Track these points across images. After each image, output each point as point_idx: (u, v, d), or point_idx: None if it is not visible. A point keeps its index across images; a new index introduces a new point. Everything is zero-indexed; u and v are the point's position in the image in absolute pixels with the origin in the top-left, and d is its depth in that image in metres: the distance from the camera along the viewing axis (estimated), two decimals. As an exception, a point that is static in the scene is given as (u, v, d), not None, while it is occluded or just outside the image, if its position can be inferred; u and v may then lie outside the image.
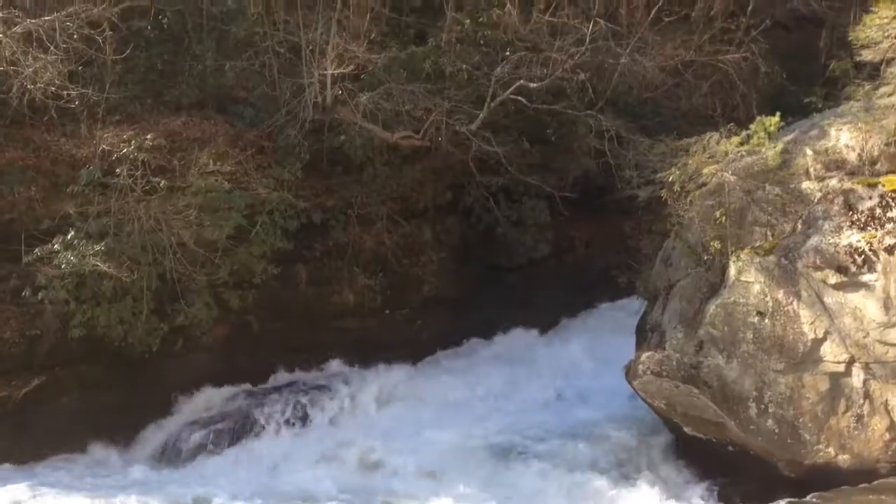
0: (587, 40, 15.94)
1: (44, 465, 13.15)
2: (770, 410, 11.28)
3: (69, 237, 13.31)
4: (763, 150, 12.26)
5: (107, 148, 14.08)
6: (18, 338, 13.57)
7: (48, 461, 13.26)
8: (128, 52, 14.96)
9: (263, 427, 13.89)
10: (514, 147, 16.23)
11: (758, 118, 12.66)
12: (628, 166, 14.77)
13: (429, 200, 16.60)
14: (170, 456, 13.57)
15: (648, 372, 11.83)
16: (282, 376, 15.04)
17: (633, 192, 14.08)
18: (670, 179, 12.63)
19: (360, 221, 15.80)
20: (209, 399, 14.45)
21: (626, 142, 15.84)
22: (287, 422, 14.03)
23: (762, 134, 12.38)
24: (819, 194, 11.91)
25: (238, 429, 13.88)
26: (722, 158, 12.30)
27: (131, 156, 13.85)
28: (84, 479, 12.72)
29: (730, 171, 12.10)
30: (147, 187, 13.82)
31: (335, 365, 15.32)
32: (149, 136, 14.14)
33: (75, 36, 14.25)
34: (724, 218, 11.98)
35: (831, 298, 11.31)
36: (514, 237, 16.39)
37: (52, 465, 13.20)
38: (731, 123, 13.13)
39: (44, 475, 12.80)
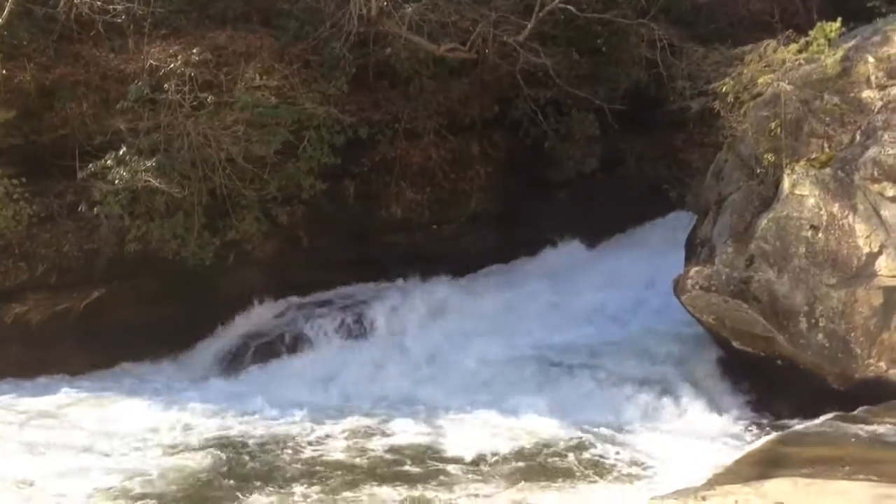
0: (640, -55, 15.33)
1: (105, 374, 13.71)
2: (821, 325, 11.17)
3: (121, 153, 13.48)
4: (822, 57, 11.80)
5: (154, 63, 14.08)
6: (77, 251, 13.98)
7: (109, 371, 13.81)
8: (172, -36, 14.83)
9: (315, 339, 14.20)
10: (563, 58, 15.84)
11: (818, 24, 12.15)
12: (681, 77, 14.42)
13: (476, 114, 16.38)
14: (226, 367, 13.98)
15: (697, 287, 11.74)
16: (331, 291, 15.27)
17: (686, 103, 13.79)
18: (724, 90, 12.28)
19: (406, 136, 15.70)
20: (262, 312, 14.80)
21: (679, 51, 15.39)
22: (338, 334, 14.32)
23: (822, 41, 11.91)
24: (880, 103, 11.47)
25: (291, 340, 14.22)
26: (779, 67, 11.90)
27: (178, 71, 13.85)
28: (143, 387, 13.25)
29: (786, 81, 11.70)
30: (195, 103, 13.85)
31: (384, 279, 15.50)
32: (195, 51, 14.09)
33: (119, -52, 14.14)
34: (779, 129, 11.63)
35: (888, 212, 11.02)
36: (562, 151, 16.16)
37: (113, 374, 13.76)
38: (790, 30, 12.65)
39: (105, 383, 13.37)
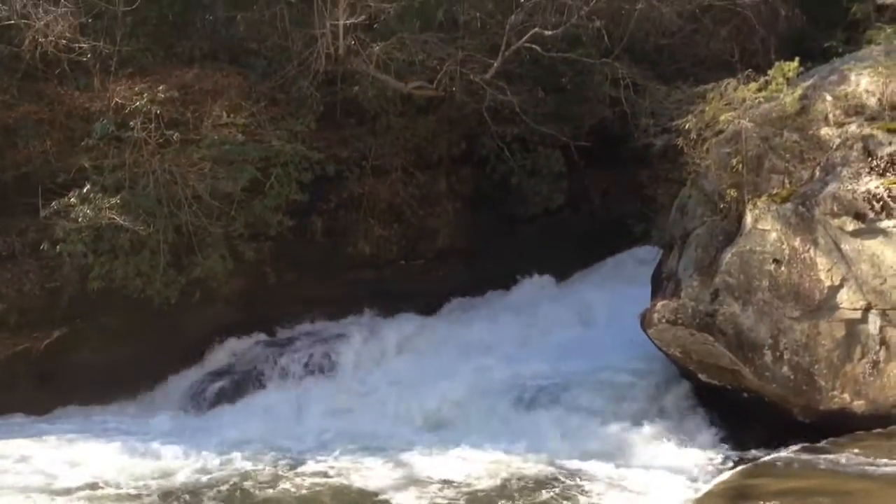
0: (603, -15, 15.66)
1: (66, 415, 13.44)
2: (785, 357, 11.28)
3: (85, 190, 13.39)
4: (781, 96, 12.07)
5: (120, 101, 14.07)
6: (39, 290, 13.80)
7: (70, 411, 13.55)
8: (138, 3, 14.84)
9: (282, 376, 14.07)
10: (529, 96, 16.07)
11: (777, 63, 12.45)
12: (644, 114, 14.61)
13: (443, 151, 16.53)
14: (190, 405, 13.81)
15: (664, 320, 11.83)
16: (298, 327, 15.21)
17: (649, 140, 13.94)
18: (686, 127, 12.47)
19: (374, 172, 15.78)
20: (228, 350, 14.67)
21: (643, 89, 15.65)
22: (305, 370, 14.19)
23: (781, 80, 12.17)
24: (838, 140, 11.73)
25: (256, 378, 14.09)
26: (739, 105, 12.12)
27: (144, 108, 13.85)
28: (106, 428, 13.00)
29: (747, 118, 11.93)
30: (161, 140, 13.84)
31: (351, 315, 15.43)
32: (161, 89, 14.11)
33: (85, -13, 14.16)
34: (740, 165, 11.84)
35: (849, 245, 11.22)
36: (529, 187, 16.32)
37: (74, 414, 13.48)
38: (750, 69, 12.90)
39: (65, 425, 13.07)
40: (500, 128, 16.09)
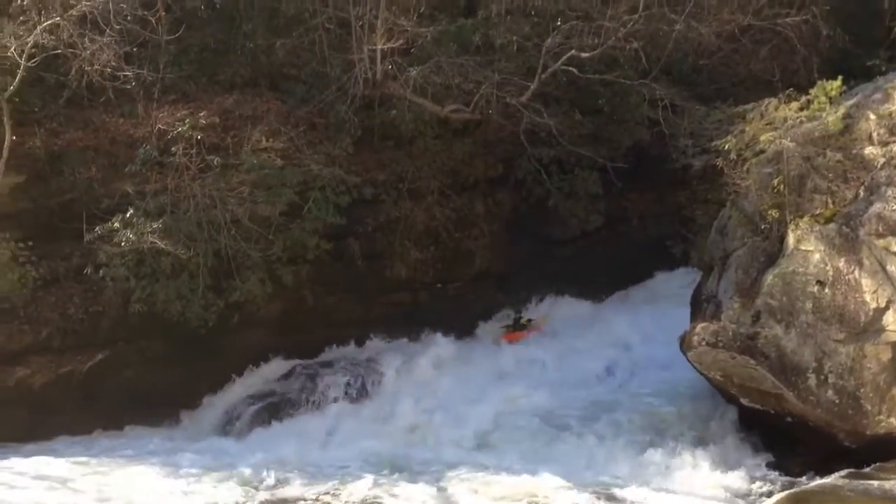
0: (640, 7, 15.65)
1: (106, 437, 13.56)
2: (830, 381, 11.02)
3: (128, 215, 13.64)
4: (824, 115, 11.90)
5: (162, 127, 14.35)
6: (82, 314, 14.01)
7: (112, 433, 13.68)
8: (181, 32, 15.18)
9: (318, 400, 14.08)
10: (566, 118, 16.07)
11: (819, 83, 12.29)
12: (683, 135, 14.53)
13: (480, 174, 16.54)
14: (228, 428, 13.87)
15: (704, 343, 11.64)
16: (335, 350, 15.22)
17: (688, 161, 13.85)
18: (726, 147, 12.36)
19: (411, 196, 15.84)
20: (266, 372, 14.72)
21: (681, 110, 15.58)
22: (341, 394, 14.18)
23: (823, 99, 12.03)
24: (882, 160, 11.53)
25: (293, 401, 14.10)
26: (780, 125, 11.99)
27: (186, 134, 14.11)
28: (146, 450, 13.07)
29: (789, 138, 11.78)
30: (202, 165, 14.07)
31: (388, 338, 15.42)
32: (202, 115, 14.38)
33: (129, 17, 14.52)
34: (782, 186, 11.68)
35: (894, 266, 10.97)
36: (566, 209, 16.25)
37: (116, 437, 13.62)
38: (791, 89, 12.78)
39: (107, 446, 13.21)
40: (536, 150, 16.08)
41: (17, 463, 12.53)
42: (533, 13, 16.60)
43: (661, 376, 13.28)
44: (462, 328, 15.61)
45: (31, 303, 13.82)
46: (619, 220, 16.88)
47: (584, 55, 15.43)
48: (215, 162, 14.09)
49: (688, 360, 11.96)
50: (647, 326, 14.58)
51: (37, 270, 13.69)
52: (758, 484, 11.17)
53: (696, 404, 12.56)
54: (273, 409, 13.94)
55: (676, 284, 15.14)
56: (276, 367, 14.73)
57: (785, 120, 12.03)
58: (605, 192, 16.26)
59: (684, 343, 11.99)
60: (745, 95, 14.81)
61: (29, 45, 13.88)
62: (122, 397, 13.73)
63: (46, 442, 13.32)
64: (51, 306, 13.92)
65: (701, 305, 12.56)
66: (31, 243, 13.70)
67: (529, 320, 15.56)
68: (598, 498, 10.89)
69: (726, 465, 11.54)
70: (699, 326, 11.86)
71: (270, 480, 11.88)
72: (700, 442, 11.99)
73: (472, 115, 15.90)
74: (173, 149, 14.05)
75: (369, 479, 11.78)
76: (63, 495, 11.63)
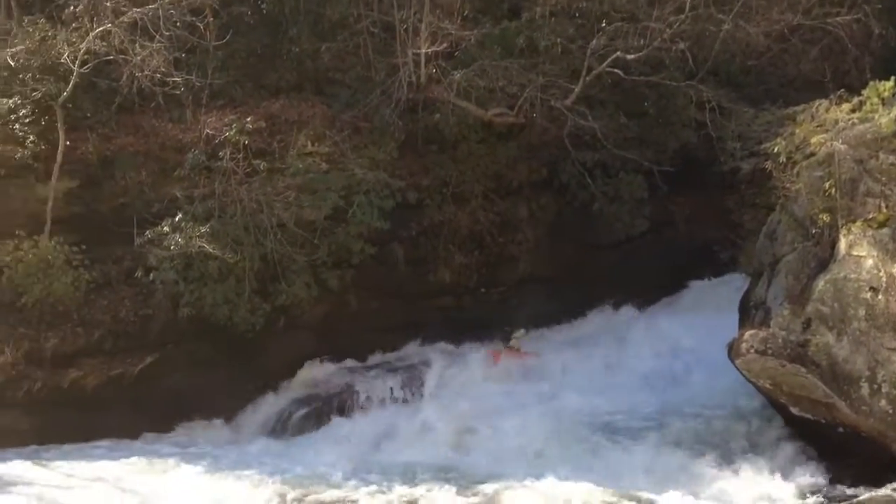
0: (687, 8, 15.47)
1: (157, 439, 13.79)
2: (884, 390, 10.76)
3: (177, 219, 13.86)
4: (876, 116, 11.63)
5: (210, 132, 14.56)
6: (133, 317, 14.26)
7: (162, 435, 13.89)
8: (228, 37, 15.39)
9: (363, 403, 14.17)
10: (611, 121, 15.95)
11: (871, 83, 12.02)
12: (731, 138, 14.33)
13: (524, 178, 16.49)
14: (276, 431, 14.00)
15: (752, 350, 11.46)
16: (380, 354, 15.28)
17: (736, 164, 13.66)
18: (775, 150, 12.17)
19: (455, 200, 15.86)
20: (311, 376, 14.82)
21: (729, 112, 15.37)
22: (386, 398, 14.25)
23: (875, 100, 11.77)
24: (939, 163, 11.24)
25: (339, 405, 14.20)
26: (832, 127, 11.75)
27: (233, 139, 14.30)
28: (195, 452, 13.26)
29: (840, 140, 11.54)
30: (248, 170, 14.25)
31: (431, 343, 15.41)
32: (249, 120, 14.55)
33: (178, 24, 14.75)
34: (833, 189, 11.44)
35: (951, 273, 10.70)
36: (610, 213, 16.12)
37: (166, 438, 13.82)
38: (842, 90, 12.53)
39: (158, 447, 13.43)
40: (581, 154, 15.99)
41: (69, 464, 12.81)
42: (577, 15, 16.49)
43: (708, 384, 13.10)
44: (507, 333, 15.51)
45: (84, 306, 14.11)
46: (664, 225, 16.69)
47: (629, 57, 15.30)
48: (261, 166, 14.26)
49: (736, 367, 11.78)
50: (693, 333, 14.38)
51: (90, 274, 13.96)
52: (809, 495, 10.95)
53: (745, 413, 12.38)
54: (318, 412, 14.05)
55: (724, 290, 14.93)
56: (321, 370, 14.83)
57: (836, 122, 11.80)
58: (651, 196, 16.08)
59: (732, 350, 11.81)
60: (794, 97, 14.56)
61: (82, 51, 14.20)
62: (170, 399, 13.93)
63: (98, 443, 13.57)
64: (103, 309, 14.20)
65: (749, 312, 12.37)
66: (84, 247, 13.96)
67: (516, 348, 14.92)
68: (645, 507, 10.81)
69: (775, 475, 11.32)
70: (747, 333, 11.68)
71: (315, 484, 12.00)
72: (748, 451, 11.81)
73: (516, 118, 15.86)
74: (221, 153, 14.24)
75: (412, 484, 11.83)
76: (114, 496, 11.87)
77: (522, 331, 15.24)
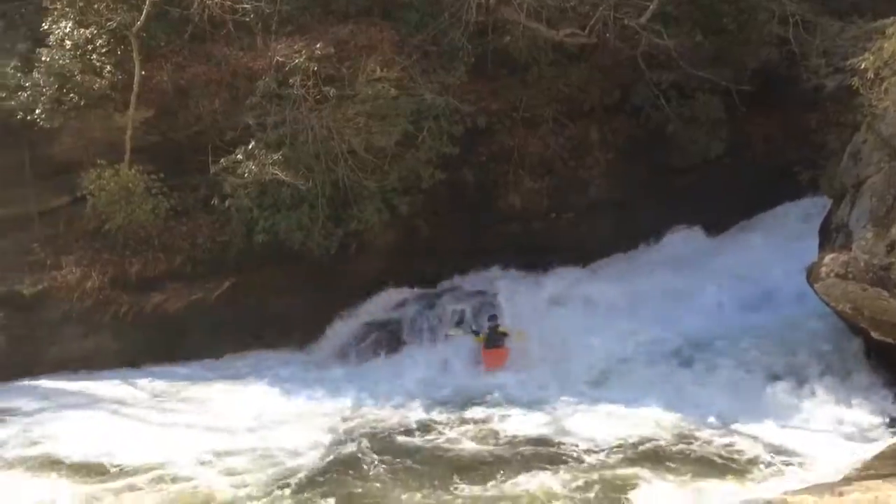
0: (769, -84, 14.66)
1: (234, 362, 14.24)
2: (971, 317, 10.42)
3: (250, 147, 14.02)
4: (974, 28, 10.96)
5: (280, 59, 14.57)
6: (210, 244, 14.69)
7: (238, 357, 14.35)
8: (290, -37, 15.22)
9: (434, 328, 14.33)
10: (687, 39, 15.33)
11: (969, -8, 11.30)
12: (815, 54, 13.72)
13: (595, 100, 16.11)
14: (347, 356, 14.30)
15: (832, 274, 11.18)
16: (449, 280, 15.35)
17: (820, 81, 13.09)
18: (863, 66, 11.59)
19: (525, 124, 15.64)
20: (383, 302, 15.03)
21: (813, 27, 14.65)
22: (455, 324, 14.37)
23: (973, 10, 11.06)
24: None
25: (409, 330, 14.41)
26: (925, 40, 11.12)
27: (303, 66, 14.28)
28: (270, 374, 13.70)
29: (933, 54, 10.93)
30: (318, 96, 14.26)
31: (501, 269, 15.40)
32: (318, 46, 14.49)
33: (248, -50, 14.67)
34: (924, 107, 10.90)
35: None
36: (685, 136, 15.66)
37: (242, 361, 14.27)
38: (937, 0, 11.81)
39: (235, 369, 13.93)
40: (655, 74, 15.49)
41: (156, 384, 13.43)
42: (653, -72, 15.79)
43: (785, 309, 12.85)
44: (578, 258, 15.43)
45: (165, 232, 14.57)
46: (742, 147, 16.14)
47: (707, -30, 14.65)
48: (331, 93, 14.25)
49: (814, 292, 11.52)
50: (771, 257, 14.05)
51: (168, 201, 14.36)
52: (886, 420, 10.79)
53: (822, 338, 12.15)
54: (390, 337, 14.31)
55: (803, 214, 14.52)
56: (392, 296, 15.03)
57: (930, 35, 11.16)
58: (728, 116, 15.52)
59: (811, 275, 11.54)
60: (885, 8, 13.74)
61: (153, -21, 14.30)
62: (247, 324, 14.40)
63: (181, 364, 14.16)
64: (182, 235, 14.65)
65: (830, 235, 12.01)
66: (161, 175, 14.33)
67: (505, 334, 13.48)
68: (719, 432, 10.78)
69: (852, 400, 11.19)
70: (828, 257, 11.38)
71: (387, 406, 12.30)
72: (825, 376, 11.64)
73: (588, 38, 15.39)
74: (291, 81, 14.27)
75: (481, 407, 12.03)
76: (198, 413, 12.42)
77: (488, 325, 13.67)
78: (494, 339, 13.47)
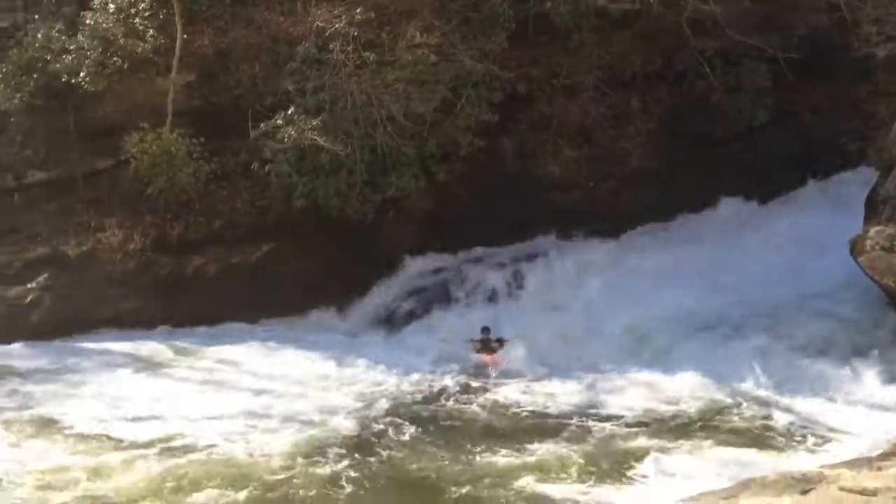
0: None
1: (270, 325, 14.35)
2: None
3: (289, 112, 14.04)
4: None
5: (320, 24, 14.52)
6: (249, 208, 14.83)
7: (276, 321, 14.44)
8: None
9: (470, 295, 14.33)
10: (734, 5, 14.99)
11: None
12: (867, 21, 13.34)
13: (637, 68, 15.86)
14: (382, 321, 14.35)
15: (878, 247, 10.96)
16: (487, 248, 15.28)
17: (871, 50, 12.72)
18: (917, 33, 11.24)
19: (565, 92, 15.46)
20: (419, 268, 15.04)
21: (866, -7, 14.19)
22: (491, 292, 14.34)
23: None
24: None
25: (446, 296, 14.42)
26: (983, 6, 10.73)
27: (343, 31, 14.22)
28: (307, 338, 13.81)
29: None
30: (358, 62, 14.21)
31: (539, 237, 15.34)
32: (358, 11, 14.41)
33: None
34: (980, 75, 10.55)
35: None
36: (730, 104, 15.37)
37: (278, 324, 14.36)
38: None
39: (273, 333, 14.05)
40: (700, 41, 15.19)
41: (194, 346, 13.64)
42: None
43: (828, 282, 12.61)
44: (617, 227, 15.28)
45: (205, 196, 14.74)
46: (788, 116, 15.79)
47: (756, -66, 14.25)
48: (371, 58, 14.18)
49: (858, 265, 11.29)
50: (815, 229, 13.77)
51: (209, 165, 14.47)
52: (929, 396, 10.60)
53: (865, 312, 11.93)
54: (427, 303, 14.33)
55: (849, 185, 14.19)
56: (429, 262, 15.03)
57: None
58: (775, 85, 15.20)
59: (855, 248, 11.32)
60: (943, -26, 13.31)
61: (194, -58, 14.31)
62: (285, 288, 14.48)
63: (219, 326, 14.34)
64: (222, 200, 14.80)
65: (877, 207, 11.75)
66: (202, 139, 14.43)
67: (500, 340, 13.03)
68: (759, 405, 10.68)
69: (893, 374, 10.96)
70: (873, 230, 11.15)
71: (426, 369, 12.37)
72: (867, 351, 11.42)
73: (632, 4, 15.14)
74: (331, 46, 14.23)
75: (521, 374, 12.05)
76: (233, 374, 12.62)
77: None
78: (488, 346, 13.05)
